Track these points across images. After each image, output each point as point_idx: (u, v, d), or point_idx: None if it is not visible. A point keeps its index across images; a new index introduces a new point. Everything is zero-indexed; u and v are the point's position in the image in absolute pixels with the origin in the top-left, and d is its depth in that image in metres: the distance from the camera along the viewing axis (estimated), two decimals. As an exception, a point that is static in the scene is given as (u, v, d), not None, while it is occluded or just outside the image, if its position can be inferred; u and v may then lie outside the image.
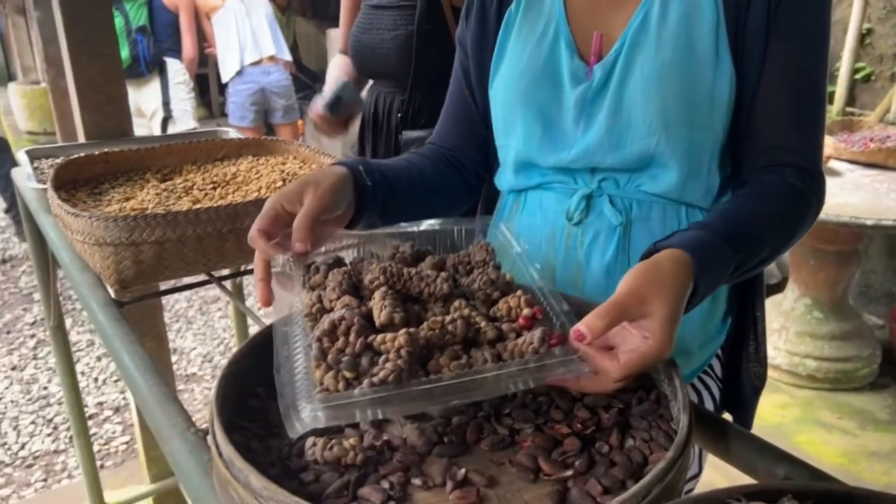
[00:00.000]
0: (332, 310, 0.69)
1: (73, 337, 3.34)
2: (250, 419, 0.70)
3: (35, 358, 3.26)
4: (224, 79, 4.36)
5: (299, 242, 0.73)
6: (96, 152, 1.42)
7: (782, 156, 0.86)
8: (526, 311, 0.69)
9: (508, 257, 0.79)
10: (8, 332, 3.50)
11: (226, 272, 1.22)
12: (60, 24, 1.63)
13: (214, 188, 1.33)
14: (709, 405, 1.00)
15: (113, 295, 1.04)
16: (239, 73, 4.29)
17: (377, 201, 0.85)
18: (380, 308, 0.67)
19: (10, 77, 7.60)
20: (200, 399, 2.95)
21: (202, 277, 1.11)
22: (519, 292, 0.72)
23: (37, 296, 3.84)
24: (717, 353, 1.01)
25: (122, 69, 3.72)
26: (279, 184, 1.30)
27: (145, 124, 4.11)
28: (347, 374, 0.61)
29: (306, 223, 0.73)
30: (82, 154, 1.40)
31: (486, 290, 0.73)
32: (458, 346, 0.66)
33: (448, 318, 0.67)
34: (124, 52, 3.81)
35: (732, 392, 1.02)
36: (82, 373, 3.11)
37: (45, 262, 1.58)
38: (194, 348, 3.33)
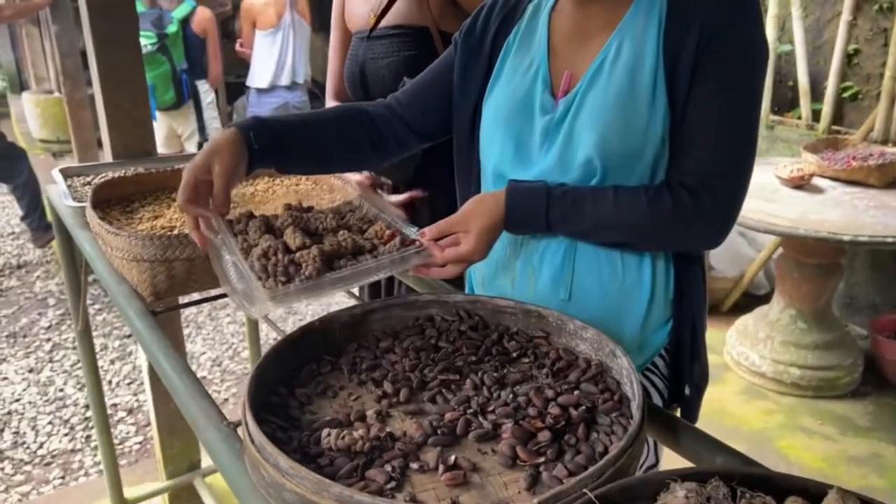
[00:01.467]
0: (256, 244, 0.95)
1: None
2: (273, 413, 0.83)
3: (51, 361, 3.39)
4: (251, 83, 4.47)
5: (223, 207, 0.99)
6: (127, 173, 1.55)
7: (687, 177, 0.97)
8: (388, 232, 1.02)
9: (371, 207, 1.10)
10: (24, 336, 3.62)
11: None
12: (91, 52, 1.76)
13: (234, 207, 1.45)
14: (657, 400, 1.12)
15: (147, 303, 1.16)
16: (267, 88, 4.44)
17: (267, 160, 1.05)
18: (293, 238, 0.96)
19: (23, 86, 7.75)
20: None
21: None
22: (381, 222, 1.06)
23: (51, 300, 3.97)
24: (661, 353, 1.12)
25: (164, 105, 3.72)
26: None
27: (177, 143, 4.26)
28: (282, 279, 0.89)
29: (222, 192, 0.98)
30: (112, 174, 1.53)
31: (359, 225, 1.06)
32: (349, 256, 0.96)
33: (341, 238, 0.97)
34: (170, 94, 4.00)
35: (677, 390, 1.14)
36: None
37: (76, 272, 1.70)
38: (204, 353, 3.46)
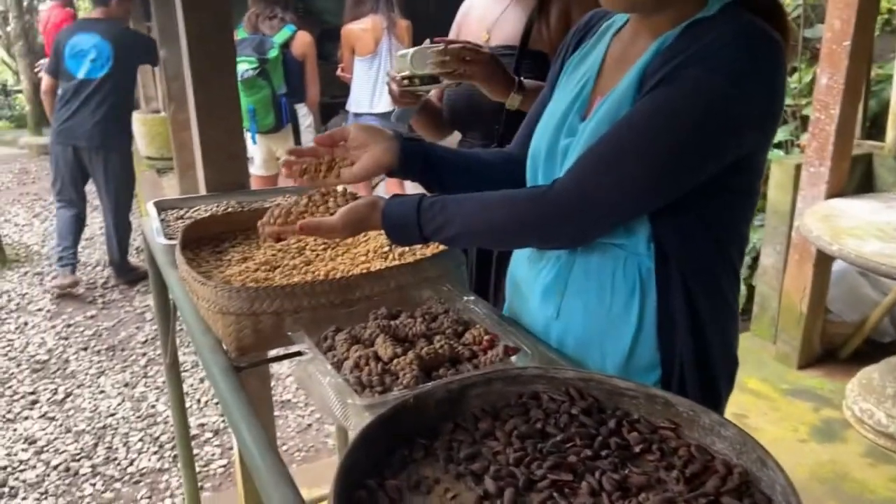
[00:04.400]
0: (347, 357, 0.96)
1: (179, 356, 3.51)
2: (361, 510, 0.72)
3: (146, 376, 3.46)
4: (350, 109, 4.53)
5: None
6: (220, 207, 1.51)
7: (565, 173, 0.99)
8: (486, 337, 1.02)
9: (458, 303, 1.11)
10: (122, 350, 3.73)
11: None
12: (189, 85, 1.75)
13: (325, 249, 1.40)
14: None
15: (231, 358, 1.09)
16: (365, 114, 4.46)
17: (412, 167, 1.15)
18: (384, 348, 0.96)
19: (134, 106, 8.14)
20: (294, 426, 3.03)
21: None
22: (477, 326, 1.05)
23: (149, 315, 4.08)
24: None
25: (264, 128, 3.70)
26: (385, 249, 1.34)
27: (275, 165, 4.33)
28: (378, 389, 0.89)
29: (352, 180, 1.11)
30: (205, 211, 1.49)
31: (454, 328, 1.05)
32: (447, 364, 0.96)
33: (438, 345, 0.97)
34: (269, 118, 4.03)
35: None
36: (186, 393, 3.27)
37: (167, 309, 1.68)
38: (289, 375, 3.45)
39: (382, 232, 1.07)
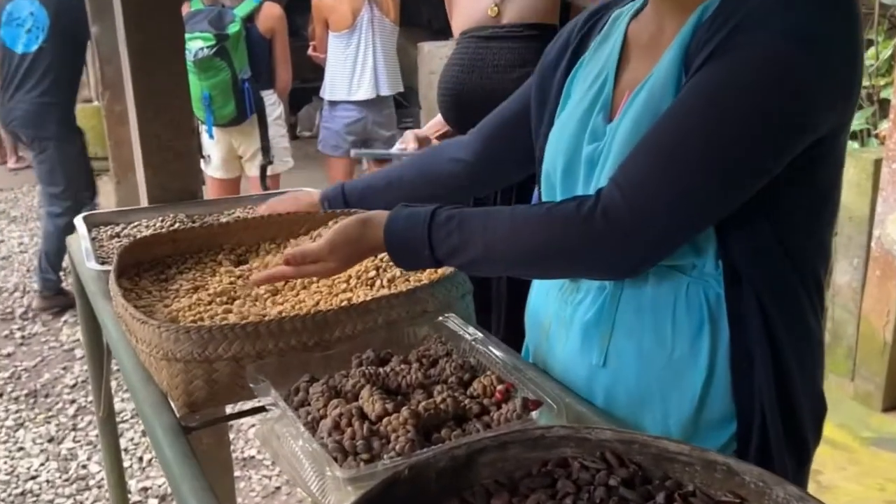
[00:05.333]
0: (324, 416, 0.92)
1: (116, 404, 3.49)
2: None
3: (75, 429, 3.43)
4: (325, 96, 4.55)
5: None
6: (164, 223, 1.49)
7: (607, 182, 0.98)
8: (500, 387, 0.98)
9: (463, 342, 1.09)
10: (46, 396, 3.70)
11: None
12: (126, 66, 1.74)
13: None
14: None
15: (179, 416, 1.07)
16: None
17: None
18: (371, 403, 0.92)
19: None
20: (259, 490, 3.00)
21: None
22: (488, 372, 1.01)
23: (79, 352, 4.05)
24: None
25: (223, 120, 3.80)
26: (371, 273, 1.32)
27: (236, 166, 4.32)
28: (364, 457, 0.85)
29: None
30: (146, 227, 1.47)
31: (458, 375, 1.01)
32: (451, 422, 0.92)
33: (439, 398, 0.93)
34: (229, 107, 4.02)
35: None
36: (125, 450, 3.24)
37: (99, 349, 1.66)
38: (253, 425, 3.41)
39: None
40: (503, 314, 1.65)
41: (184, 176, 1.77)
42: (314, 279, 1.36)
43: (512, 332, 1.52)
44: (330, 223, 1.21)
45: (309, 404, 0.98)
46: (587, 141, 1.09)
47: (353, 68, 4.41)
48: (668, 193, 0.94)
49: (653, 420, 1.06)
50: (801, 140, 0.95)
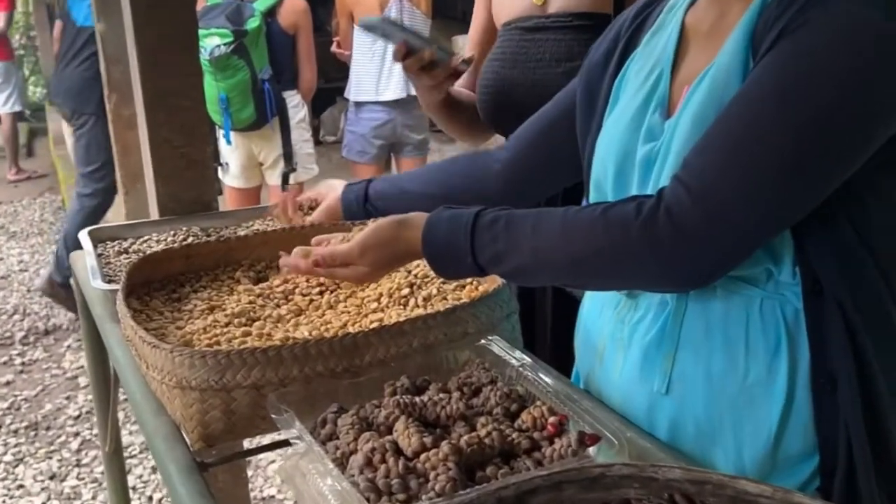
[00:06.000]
0: (354, 450, 0.92)
1: (124, 438, 3.52)
2: None
3: (78, 465, 3.46)
4: (350, 96, 4.57)
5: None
6: (176, 238, 1.50)
7: (671, 180, 0.97)
8: (552, 419, 0.96)
9: (509, 368, 1.09)
10: (48, 429, 3.74)
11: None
12: (135, 66, 1.76)
13: (321, 293, 1.39)
14: None
15: (193, 450, 1.08)
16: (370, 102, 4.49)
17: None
18: (406, 436, 0.91)
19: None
20: (280, 534, 3.01)
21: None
22: (539, 402, 1.01)
23: (83, 381, 4.11)
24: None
25: (241, 124, 3.83)
26: (405, 291, 1.33)
27: (256, 175, 4.36)
28: (400, 497, 0.84)
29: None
30: (157, 242, 1.48)
31: (504, 405, 1.01)
32: (497, 459, 0.91)
33: (483, 432, 0.92)
34: (248, 110, 4.05)
35: None
36: (133, 488, 3.27)
37: (105, 377, 1.68)
38: (274, 461, 3.42)
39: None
40: (549, 336, 1.63)
41: (198, 185, 1.78)
42: (341, 299, 1.37)
43: (559, 356, 1.50)
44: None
45: (337, 438, 0.97)
46: (642, 141, 1.08)
47: (381, 65, 4.42)
48: (740, 190, 0.93)
49: (724, 455, 1.04)
50: (893, 123, 0.93)
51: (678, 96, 1.07)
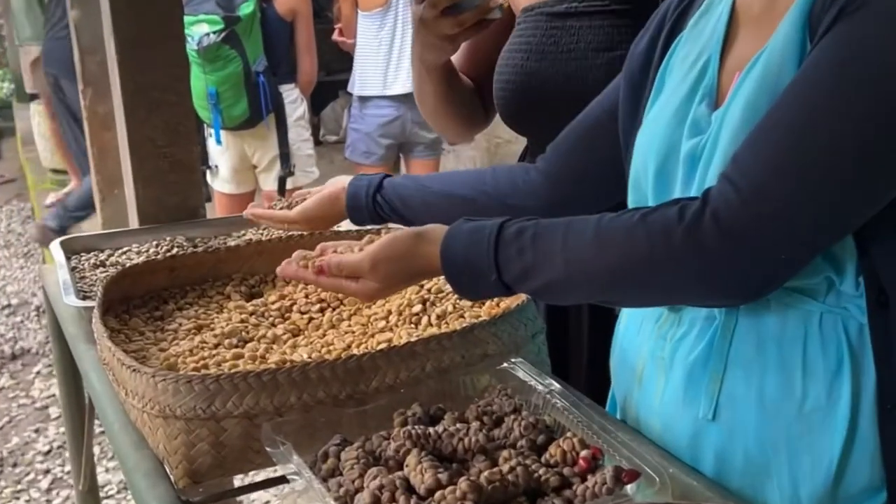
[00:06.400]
0: (360, 487, 0.91)
1: (100, 475, 3.53)
2: None
3: (48, 505, 3.47)
4: (354, 91, 4.59)
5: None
6: (160, 249, 1.51)
7: (718, 178, 0.97)
8: (584, 453, 0.96)
9: (534, 395, 1.09)
10: (14, 465, 3.75)
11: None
12: (113, 58, 1.78)
13: (322, 310, 1.39)
14: None
15: (178, 488, 1.08)
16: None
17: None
18: (419, 472, 0.90)
19: (33, 94, 8.34)
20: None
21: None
22: (569, 433, 1.00)
23: (54, 411, 4.12)
24: None
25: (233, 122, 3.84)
26: (416, 308, 1.33)
27: (249, 178, 4.37)
28: None
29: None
30: (138, 254, 1.49)
31: (529, 437, 1.00)
32: (522, 498, 0.90)
33: (506, 467, 0.91)
34: (241, 106, 4.04)
35: None
36: (111, 532, 3.27)
37: (79, 406, 1.69)
38: (267, 502, 3.43)
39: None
40: (585, 356, 1.62)
41: (183, 190, 1.79)
42: (345, 317, 1.36)
43: (595, 381, 1.50)
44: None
45: (341, 473, 0.96)
46: (687, 135, 1.08)
47: (389, 56, 4.43)
48: (796, 189, 0.93)
49: (779, 491, 1.03)
50: None
51: (727, 85, 1.07)
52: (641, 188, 1.15)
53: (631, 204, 1.18)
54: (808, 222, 0.94)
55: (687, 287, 1.01)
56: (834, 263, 0.98)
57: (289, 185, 4.31)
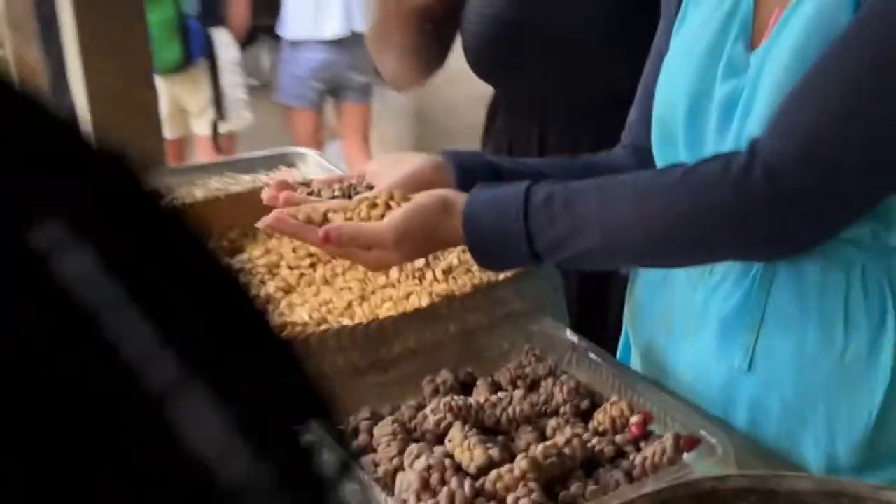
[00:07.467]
0: (400, 466, 0.85)
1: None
2: None
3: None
4: (283, 34, 4.52)
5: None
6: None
7: (763, 131, 0.93)
8: (635, 419, 0.91)
9: (566, 354, 1.05)
10: None
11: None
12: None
13: (313, 265, 1.30)
14: None
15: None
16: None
17: None
18: (467, 449, 0.84)
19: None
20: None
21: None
22: (614, 397, 0.95)
23: None
24: None
25: (166, 66, 3.80)
26: (419, 262, 1.24)
27: (181, 124, 4.26)
28: None
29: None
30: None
31: (573, 403, 0.95)
32: (579, 472, 0.86)
33: (561, 439, 0.86)
34: (173, 51, 3.94)
35: None
36: None
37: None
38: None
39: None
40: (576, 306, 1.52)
41: (144, 135, 1.69)
42: (339, 272, 1.27)
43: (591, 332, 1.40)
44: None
45: (375, 451, 0.88)
46: (721, 76, 1.02)
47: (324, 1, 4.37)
48: (854, 143, 0.91)
49: (815, 442, 1.01)
50: None
51: (765, 21, 1.01)
52: (671, 131, 1.09)
53: (657, 149, 1.13)
54: (864, 176, 0.92)
55: (734, 245, 0.99)
56: (880, 214, 0.96)
57: (221, 129, 4.27)
